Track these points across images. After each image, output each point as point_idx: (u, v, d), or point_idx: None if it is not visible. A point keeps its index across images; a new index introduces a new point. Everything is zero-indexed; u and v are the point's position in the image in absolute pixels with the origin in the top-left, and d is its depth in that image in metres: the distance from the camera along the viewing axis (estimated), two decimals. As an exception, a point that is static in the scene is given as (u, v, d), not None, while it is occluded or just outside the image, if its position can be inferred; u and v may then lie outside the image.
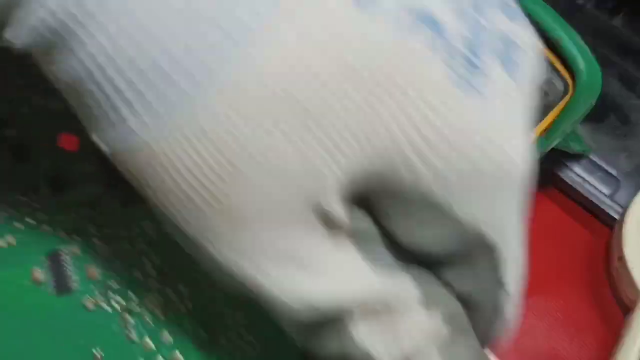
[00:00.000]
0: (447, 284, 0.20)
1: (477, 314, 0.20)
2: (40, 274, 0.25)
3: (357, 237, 0.19)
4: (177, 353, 0.24)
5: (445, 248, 0.19)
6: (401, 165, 0.18)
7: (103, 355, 0.24)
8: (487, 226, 0.19)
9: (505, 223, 0.19)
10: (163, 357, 0.24)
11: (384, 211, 0.19)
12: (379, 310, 0.19)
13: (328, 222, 0.18)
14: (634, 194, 0.38)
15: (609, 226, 0.40)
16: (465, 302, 0.20)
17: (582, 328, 0.39)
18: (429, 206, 0.18)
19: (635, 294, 0.37)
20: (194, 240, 0.18)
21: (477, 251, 0.19)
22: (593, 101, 0.37)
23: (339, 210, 0.18)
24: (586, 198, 0.39)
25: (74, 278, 0.26)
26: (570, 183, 0.39)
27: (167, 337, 0.25)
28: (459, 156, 0.17)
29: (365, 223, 0.19)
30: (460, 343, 0.20)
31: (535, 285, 0.39)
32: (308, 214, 0.18)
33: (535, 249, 0.40)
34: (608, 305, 0.39)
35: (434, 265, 0.20)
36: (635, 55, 0.40)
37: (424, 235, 0.19)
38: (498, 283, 0.20)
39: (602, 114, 0.40)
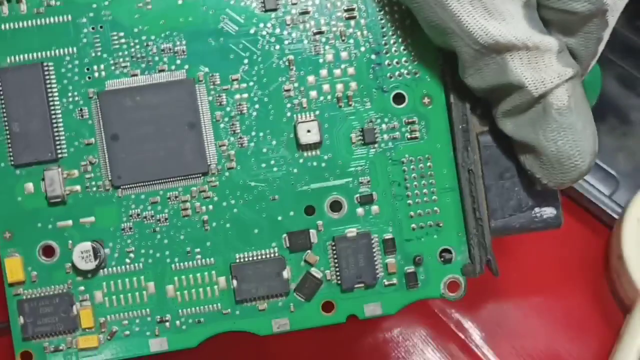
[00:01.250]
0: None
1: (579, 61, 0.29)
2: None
3: (526, 5, 0.27)
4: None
5: (578, 9, 0.27)
6: None
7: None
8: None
9: (620, 4, 0.27)
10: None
11: None
12: (531, 48, 0.27)
13: None
14: (633, 194, 0.39)
15: (608, 226, 0.40)
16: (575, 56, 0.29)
17: (582, 327, 0.40)
18: None
19: (635, 293, 0.38)
20: None
21: (596, 14, 0.27)
22: (593, 101, 0.38)
23: None
24: (586, 198, 0.40)
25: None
26: (570, 183, 0.40)
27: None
28: None
29: None
30: (578, 87, 0.28)
31: (535, 285, 0.40)
32: None
33: (535, 249, 0.40)
34: (608, 305, 0.40)
35: (566, 30, 0.28)
36: (635, 55, 0.41)
37: None
38: (599, 39, 0.28)
39: (602, 114, 0.40)
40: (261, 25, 0.30)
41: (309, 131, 0.30)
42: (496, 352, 0.39)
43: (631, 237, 0.38)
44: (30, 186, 0.29)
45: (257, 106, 0.30)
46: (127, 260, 0.30)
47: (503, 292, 0.40)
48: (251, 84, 0.30)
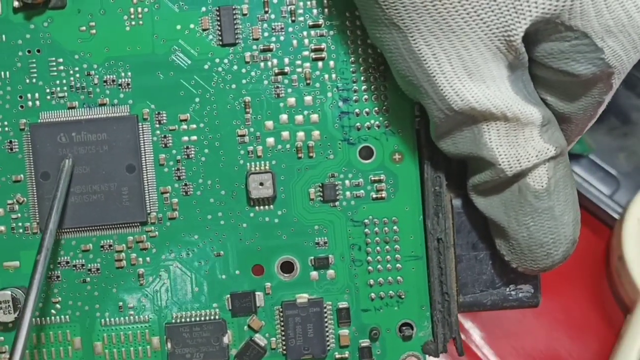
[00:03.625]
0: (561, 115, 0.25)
1: (572, 127, 0.26)
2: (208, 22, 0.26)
3: (513, 66, 0.24)
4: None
5: (580, 72, 0.24)
6: (578, 8, 0.23)
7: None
8: (618, 61, 0.24)
9: (628, 66, 0.24)
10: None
11: (542, 45, 0.24)
12: (510, 119, 0.24)
13: (507, 48, 0.23)
14: (634, 194, 0.39)
15: (608, 226, 0.40)
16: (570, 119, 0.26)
17: (582, 328, 0.39)
18: (584, 37, 0.23)
19: (635, 294, 0.37)
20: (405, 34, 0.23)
21: (600, 77, 0.24)
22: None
23: (519, 41, 0.23)
24: (586, 198, 0.39)
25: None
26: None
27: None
28: (623, 8, 0.23)
29: (523, 55, 0.24)
30: (562, 166, 0.25)
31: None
32: (496, 39, 0.23)
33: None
34: (608, 305, 0.40)
35: (563, 92, 0.25)
36: (635, 55, 0.40)
37: (569, 58, 0.24)
38: (600, 103, 0.25)
39: (602, 114, 0.40)
40: (217, 60, 0.27)
41: (261, 184, 0.27)
42: (496, 352, 0.39)
43: (632, 237, 0.38)
44: (-51, 223, 0.27)
45: (206, 151, 0.27)
46: (53, 311, 0.27)
47: (503, 293, 0.39)
48: (201, 125, 0.27)
